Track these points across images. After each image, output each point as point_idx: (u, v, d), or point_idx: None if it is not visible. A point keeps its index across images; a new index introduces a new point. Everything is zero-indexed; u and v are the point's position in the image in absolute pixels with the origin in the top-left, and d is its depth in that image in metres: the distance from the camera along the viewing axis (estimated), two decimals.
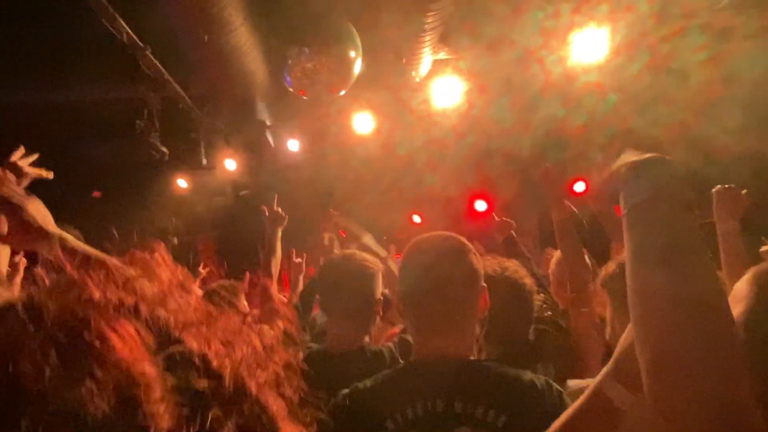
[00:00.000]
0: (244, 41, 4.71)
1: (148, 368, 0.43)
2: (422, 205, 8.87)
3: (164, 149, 6.55)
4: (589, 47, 4.69)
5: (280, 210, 2.73)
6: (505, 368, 1.32)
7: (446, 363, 1.30)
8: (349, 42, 4.79)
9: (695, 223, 0.80)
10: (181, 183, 7.82)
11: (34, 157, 1.59)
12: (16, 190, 1.23)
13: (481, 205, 8.35)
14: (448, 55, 5.44)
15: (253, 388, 0.48)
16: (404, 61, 5.19)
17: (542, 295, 2.36)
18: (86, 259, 1.22)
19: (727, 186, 2.37)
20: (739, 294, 0.81)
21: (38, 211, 1.23)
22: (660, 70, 4.61)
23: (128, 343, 0.44)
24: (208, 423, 0.44)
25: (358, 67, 4.94)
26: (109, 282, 0.49)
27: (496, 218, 3.41)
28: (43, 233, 1.23)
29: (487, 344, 1.73)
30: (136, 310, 0.47)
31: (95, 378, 0.40)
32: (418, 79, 5.59)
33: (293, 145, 7.08)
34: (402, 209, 8.88)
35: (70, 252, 1.23)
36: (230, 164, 7.21)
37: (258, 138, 6.99)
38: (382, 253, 3.07)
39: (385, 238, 8.41)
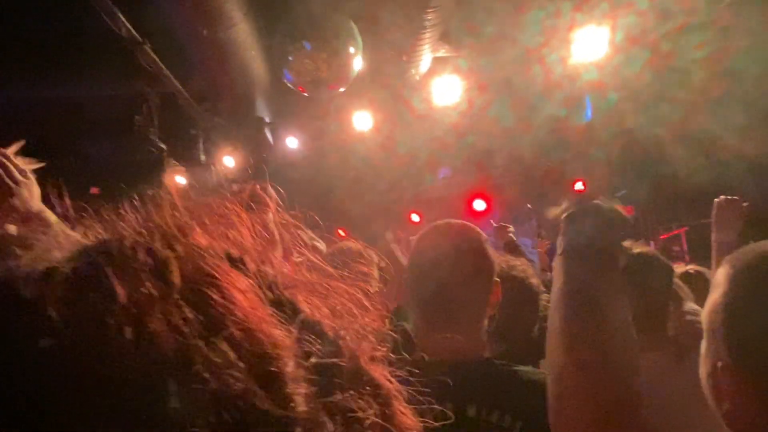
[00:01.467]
0: (244, 37, 4.69)
1: (281, 336, 0.36)
2: (421, 203, 8.86)
3: (163, 145, 6.53)
4: (589, 46, 4.67)
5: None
6: (520, 369, 1.25)
7: (457, 363, 1.22)
8: (349, 39, 4.77)
9: (613, 273, 0.92)
10: (179, 180, 7.79)
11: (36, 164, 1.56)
12: (12, 170, 1.23)
13: (480, 205, 8.35)
14: (449, 53, 5.42)
15: (366, 366, 0.41)
16: (404, 58, 5.18)
17: (548, 295, 2.34)
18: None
19: (730, 197, 2.37)
20: (717, 280, 0.86)
21: (32, 193, 1.23)
22: (661, 68, 4.59)
23: (254, 304, 0.36)
24: (347, 409, 0.37)
25: (358, 64, 4.92)
26: (208, 229, 0.41)
27: (494, 224, 3.39)
28: (34, 215, 1.21)
29: (491, 341, 1.70)
30: (244, 265, 0.39)
31: (234, 344, 0.33)
32: (418, 77, 5.57)
33: (292, 142, 7.06)
34: (401, 208, 8.88)
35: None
36: (229, 161, 7.19)
37: (257, 135, 6.97)
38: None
39: (390, 235, 8.41)
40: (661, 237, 6.33)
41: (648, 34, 4.40)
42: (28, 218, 1.23)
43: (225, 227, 0.43)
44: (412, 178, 8.63)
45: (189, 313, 0.33)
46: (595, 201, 1.01)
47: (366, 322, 0.44)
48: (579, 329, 0.85)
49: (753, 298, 0.81)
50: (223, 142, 7.06)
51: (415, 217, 8.78)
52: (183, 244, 0.38)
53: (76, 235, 0.43)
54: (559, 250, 0.97)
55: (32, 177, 1.27)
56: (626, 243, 1.60)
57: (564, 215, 1.00)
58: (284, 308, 0.39)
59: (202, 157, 7.02)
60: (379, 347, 0.44)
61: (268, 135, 7.12)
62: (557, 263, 0.95)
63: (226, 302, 0.35)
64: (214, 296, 0.35)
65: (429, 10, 4.35)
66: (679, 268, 2.34)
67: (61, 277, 0.35)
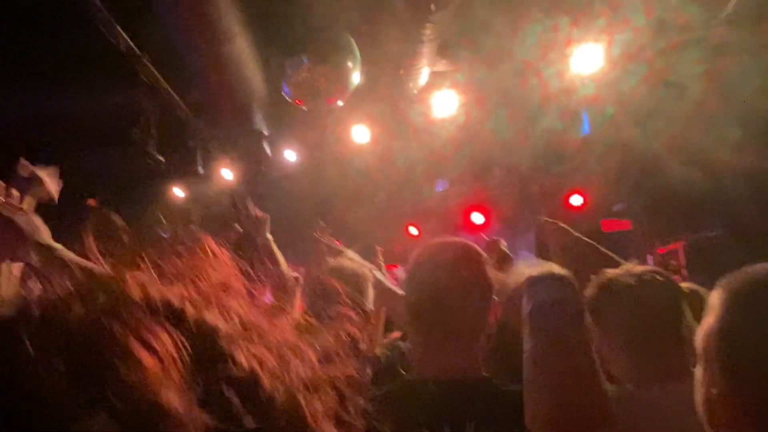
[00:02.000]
0: (243, 50, 4.71)
1: (178, 402, 0.34)
2: (419, 216, 8.86)
3: (161, 158, 6.53)
4: (586, 60, 4.71)
5: (256, 212, 2.68)
6: (518, 388, 1.24)
7: (454, 382, 1.22)
8: (347, 53, 4.80)
9: (576, 327, 1.08)
10: (177, 192, 7.79)
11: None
12: (9, 202, 1.27)
13: (478, 217, 8.35)
14: (446, 67, 5.45)
15: (310, 421, 0.39)
16: (402, 72, 5.20)
17: None
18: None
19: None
20: (711, 303, 0.86)
21: (28, 223, 1.26)
22: (657, 83, 4.63)
23: (160, 363, 0.35)
24: None
25: (356, 78, 4.94)
26: (156, 276, 0.41)
27: (485, 238, 3.37)
28: (32, 244, 1.25)
29: (497, 356, 1.67)
30: (180, 315, 0.39)
31: (110, 408, 0.33)
32: (416, 91, 5.59)
33: (290, 155, 7.06)
34: (399, 221, 8.87)
35: (60, 263, 1.24)
36: (227, 173, 7.19)
37: (255, 148, 6.98)
38: (368, 265, 3.04)
39: (382, 249, 8.40)
40: (659, 251, 6.33)
41: (644, 50, 4.44)
42: None
43: (193, 270, 0.42)
44: (410, 191, 8.63)
45: (63, 372, 0.33)
46: (546, 267, 1.19)
47: (328, 371, 0.43)
48: (553, 379, 1.06)
49: (747, 324, 0.80)
50: (221, 155, 7.07)
51: (413, 230, 8.77)
52: (108, 299, 0.38)
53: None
54: (526, 311, 1.12)
55: (25, 212, 1.31)
56: (626, 264, 1.57)
57: (526, 280, 1.14)
58: (216, 362, 0.38)
59: (200, 170, 7.02)
60: (333, 398, 0.43)
61: (266, 148, 7.12)
62: (526, 323, 1.10)
63: (122, 361, 0.34)
64: (106, 355, 0.34)
65: (426, 25, 4.38)
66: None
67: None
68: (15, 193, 1.32)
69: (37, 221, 1.32)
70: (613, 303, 1.46)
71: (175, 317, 0.39)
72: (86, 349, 0.35)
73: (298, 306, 2.07)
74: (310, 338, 0.44)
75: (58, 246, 1.30)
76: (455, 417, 1.16)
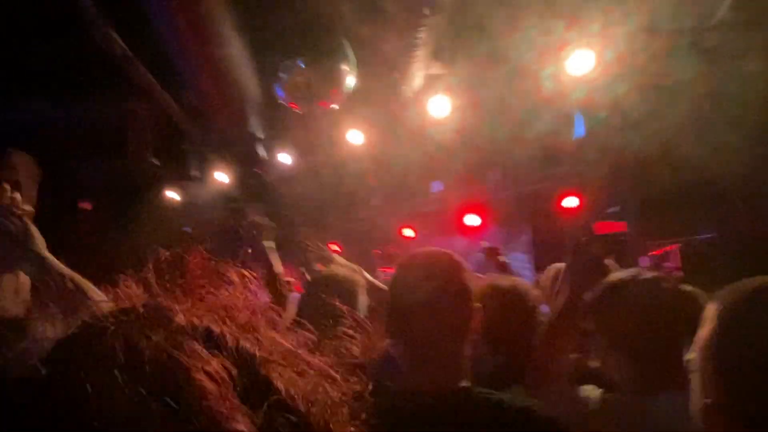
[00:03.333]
0: (237, 54, 4.71)
1: (243, 425, 0.36)
2: (414, 219, 8.87)
3: (156, 161, 6.51)
4: (580, 64, 4.73)
5: (258, 220, 2.70)
6: (496, 396, 1.24)
7: (437, 393, 1.23)
8: (342, 56, 4.81)
9: None
10: (172, 195, 7.77)
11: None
12: (11, 205, 1.28)
13: (473, 219, 8.36)
14: (441, 70, 5.47)
15: None
16: (397, 75, 5.22)
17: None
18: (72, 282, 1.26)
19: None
20: (706, 315, 0.88)
21: (24, 231, 1.29)
22: (650, 87, 4.66)
23: (221, 391, 0.37)
24: None
25: (351, 81, 4.95)
26: (194, 305, 0.43)
27: (484, 244, 3.40)
28: (26, 252, 1.27)
29: (490, 355, 1.67)
30: (222, 342, 0.40)
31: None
32: (410, 94, 5.61)
33: (285, 158, 7.06)
34: (394, 223, 8.88)
35: (57, 275, 1.25)
36: (222, 177, 7.18)
37: (250, 151, 6.98)
38: (355, 267, 3.05)
39: (377, 252, 8.40)
40: (652, 253, 6.36)
41: (637, 54, 4.46)
42: None
43: (217, 293, 0.44)
44: (405, 193, 8.64)
45: (153, 403, 0.35)
46: None
47: (342, 390, 0.45)
48: None
49: (740, 337, 0.81)
50: (216, 158, 7.06)
51: (408, 232, 8.78)
52: (163, 329, 0.39)
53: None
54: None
55: (27, 221, 1.34)
56: (632, 270, 1.55)
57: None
58: (257, 387, 0.40)
59: (195, 173, 7.01)
60: (354, 414, 0.45)
61: (262, 151, 7.12)
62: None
63: (194, 394, 0.36)
64: (180, 383, 0.36)
65: (421, 28, 4.40)
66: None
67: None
68: (17, 197, 1.33)
69: (33, 229, 1.33)
70: (618, 308, 1.45)
71: (216, 344, 0.40)
72: (160, 378, 0.36)
73: (291, 312, 2.08)
74: (320, 357, 0.46)
75: (50, 256, 1.32)
76: (437, 428, 1.16)
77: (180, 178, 7.21)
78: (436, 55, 5.12)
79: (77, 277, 1.30)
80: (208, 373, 0.37)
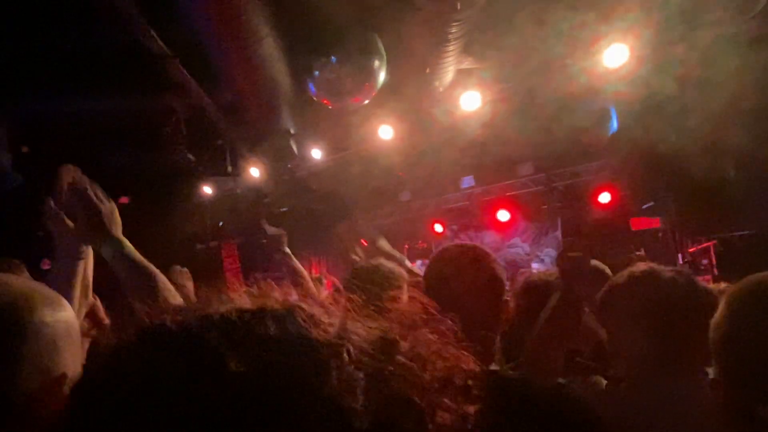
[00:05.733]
0: (270, 51, 4.78)
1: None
2: (444, 214, 8.86)
3: (191, 157, 6.66)
4: (615, 57, 4.64)
5: (272, 230, 2.84)
6: (531, 380, 1.29)
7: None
8: (373, 52, 4.83)
9: None
10: (207, 189, 7.94)
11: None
12: (95, 191, 1.37)
13: (503, 215, 8.31)
14: (472, 65, 5.44)
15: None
16: (428, 71, 5.21)
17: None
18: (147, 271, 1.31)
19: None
20: (720, 305, 0.95)
21: (111, 215, 1.33)
22: (688, 79, 4.54)
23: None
24: None
25: (382, 76, 4.97)
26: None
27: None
28: (105, 234, 1.32)
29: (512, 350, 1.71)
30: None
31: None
32: (441, 89, 5.59)
33: (317, 153, 7.14)
34: (424, 218, 8.88)
35: (126, 260, 1.30)
36: (255, 172, 7.30)
37: (282, 146, 7.07)
38: (397, 255, 3.09)
39: (407, 246, 8.41)
40: (690, 250, 6.21)
41: (674, 46, 4.35)
42: None
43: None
44: (435, 189, 8.63)
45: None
46: None
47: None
48: None
49: (743, 320, 0.88)
50: (249, 154, 7.18)
51: (438, 227, 8.78)
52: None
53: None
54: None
55: (113, 203, 1.39)
56: (652, 264, 1.57)
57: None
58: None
59: (229, 168, 7.14)
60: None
61: (293, 146, 7.21)
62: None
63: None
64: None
65: (453, 24, 4.38)
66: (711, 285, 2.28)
67: None
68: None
69: (116, 214, 1.39)
70: (632, 297, 1.48)
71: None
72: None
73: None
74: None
75: (128, 243, 1.36)
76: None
77: (214, 174, 7.36)
78: (468, 49, 5.09)
79: (146, 262, 1.33)
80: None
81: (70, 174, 1.36)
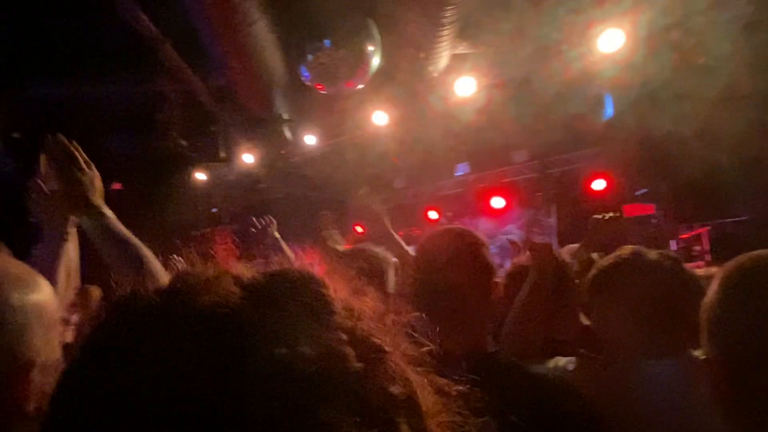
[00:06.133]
0: (263, 35, 4.73)
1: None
2: (439, 200, 8.84)
3: (184, 143, 6.61)
4: (610, 42, 4.62)
5: (258, 223, 2.90)
6: (523, 363, 1.29)
7: (460, 356, 1.28)
8: (367, 37, 4.79)
9: None
10: (200, 176, 7.89)
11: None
12: (75, 160, 1.35)
13: (498, 202, 8.30)
14: (467, 49, 5.41)
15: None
16: (422, 55, 5.17)
17: None
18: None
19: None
20: (710, 287, 0.96)
21: (91, 183, 1.31)
22: (683, 64, 4.52)
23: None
24: None
25: (376, 61, 4.93)
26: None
27: (513, 240, 3.44)
28: (86, 202, 1.31)
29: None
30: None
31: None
32: (436, 74, 5.56)
33: (310, 139, 7.09)
34: (419, 205, 8.87)
35: (108, 232, 1.27)
36: (248, 158, 7.26)
37: (275, 132, 7.03)
38: (398, 239, 3.08)
39: (401, 233, 8.41)
40: (682, 237, 6.23)
41: (670, 31, 4.33)
42: None
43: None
44: (429, 175, 8.61)
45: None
46: None
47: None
48: None
49: (734, 297, 0.89)
50: (242, 139, 7.13)
51: (432, 214, 8.77)
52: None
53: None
54: None
55: (95, 171, 1.37)
56: (640, 247, 1.61)
57: None
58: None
59: (222, 154, 7.10)
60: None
61: (287, 132, 7.16)
62: None
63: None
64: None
65: (448, 8, 4.34)
66: (698, 270, 2.32)
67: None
68: (81, 154, 1.36)
69: (99, 183, 1.37)
70: (619, 279, 1.53)
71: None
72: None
73: None
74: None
75: (111, 214, 1.33)
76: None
77: (208, 160, 7.32)
78: (463, 34, 5.05)
79: (137, 240, 1.30)
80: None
81: (51, 146, 1.34)
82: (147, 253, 1.27)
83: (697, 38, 4.33)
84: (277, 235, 2.84)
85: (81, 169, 1.34)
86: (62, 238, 1.30)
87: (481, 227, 8.66)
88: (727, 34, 4.19)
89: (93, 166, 1.38)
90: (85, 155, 1.37)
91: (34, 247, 1.34)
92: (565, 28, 4.59)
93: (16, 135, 5.73)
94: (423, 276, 1.39)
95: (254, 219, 2.96)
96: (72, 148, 1.36)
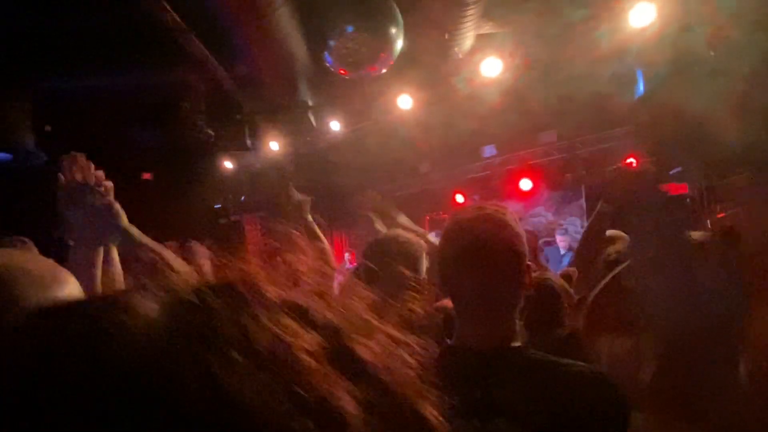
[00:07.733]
0: (286, 22, 4.71)
1: (347, 403, 0.35)
2: (465, 184, 8.77)
3: (210, 131, 6.66)
4: (641, 16, 4.48)
5: (298, 196, 2.69)
6: (551, 357, 1.22)
7: (486, 349, 1.23)
8: (390, 19, 4.73)
9: None
10: (227, 164, 7.97)
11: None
12: (106, 186, 1.36)
13: (526, 184, 8.20)
14: (492, 29, 5.30)
15: (417, 406, 0.39)
16: (447, 36, 5.09)
17: None
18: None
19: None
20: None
21: (113, 209, 1.36)
22: (718, 40, 4.36)
23: (323, 368, 0.35)
24: None
25: (399, 44, 4.87)
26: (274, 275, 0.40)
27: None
28: (115, 229, 1.33)
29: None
30: (312, 317, 0.38)
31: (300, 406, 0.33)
32: (461, 55, 5.47)
33: (335, 125, 7.09)
34: (445, 188, 8.81)
35: (143, 247, 1.29)
36: (274, 146, 7.29)
37: (300, 119, 7.03)
38: (421, 230, 3.03)
39: (427, 218, 8.38)
40: (718, 216, 6.07)
41: (703, 5, 4.17)
42: None
43: (288, 262, 0.42)
44: (455, 159, 8.54)
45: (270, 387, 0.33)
46: None
47: (413, 355, 0.43)
48: None
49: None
50: (267, 127, 7.16)
51: (459, 198, 8.70)
52: (261, 306, 0.37)
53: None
54: None
55: (112, 194, 1.37)
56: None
57: None
58: (344, 359, 0.38)
59: (248, 142, 7.14)
60: (426, 380, 0.42)
61: (311, 118, 7.17)
62: None
63: (300, 373, 0.34)
64: (290, 367, 0.34)
65: None
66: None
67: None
68: (100, 174, 1.36)
69: (116, 204, 1.37)
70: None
71: (307, 319, 0.38)
72: (269, 358, 0.34)
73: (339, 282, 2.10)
74: (390, 323, 0.44)
75: (134, 229, 1.35)
76: (484, 383, 1.16)
77: (234, 148, 7.37)
78: (488, 13, 4.95)
79: (160, 247, 1.32)
80: (308, 352, 0.35)
81: (76, 164, 1.34)
82: (169, 255, 1.26)
83: (730, 11, 4.16)
84: (310, 218, 2.65)
85: (103, 196, 1.35)
86: (97, 244, 1.32)
87: (509, 210, 8.56)
88: (762, 5, 4.02)
89: (111, 188, 1.37)
90: (102, 175, 1.37)
91: (68, 248, 1.35)
92: (593, 3, 4.46)
93: (48, 128, 5.85)
94: (448, 259, 1.32)
95: (292, 192, 2.72)
96: (89, 170, 1.35)
